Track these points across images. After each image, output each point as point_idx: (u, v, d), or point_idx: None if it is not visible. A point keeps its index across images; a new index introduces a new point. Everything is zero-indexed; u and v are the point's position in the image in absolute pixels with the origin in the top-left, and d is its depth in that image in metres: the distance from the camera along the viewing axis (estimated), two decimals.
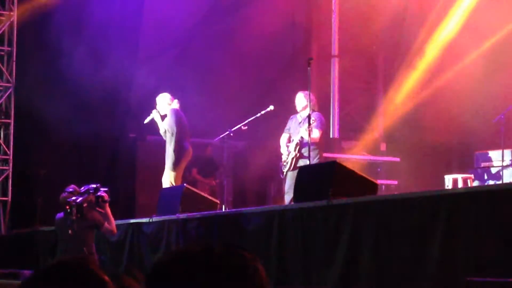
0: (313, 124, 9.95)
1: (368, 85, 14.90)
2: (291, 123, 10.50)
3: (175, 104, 10.67)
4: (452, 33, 13.41)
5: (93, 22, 12.79)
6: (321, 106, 13.30)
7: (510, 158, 10.87)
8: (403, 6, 14.19)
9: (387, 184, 12.71)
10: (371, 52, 14.81)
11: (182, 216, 9.02)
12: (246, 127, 11.02)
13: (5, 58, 13.22)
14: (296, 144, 10.18)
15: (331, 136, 13.73)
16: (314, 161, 9.91)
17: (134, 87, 13.21)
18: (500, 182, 10.68)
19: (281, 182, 10.58)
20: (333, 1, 14.01)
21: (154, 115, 10.66)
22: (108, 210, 8.40)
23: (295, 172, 9.82)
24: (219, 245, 1.61)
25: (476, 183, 11.06)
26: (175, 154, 10.51)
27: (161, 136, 10.81)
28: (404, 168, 13.08)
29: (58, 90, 12.80)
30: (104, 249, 9.65)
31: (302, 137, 10.08)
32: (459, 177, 11.13)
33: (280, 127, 10.70)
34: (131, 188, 13.54)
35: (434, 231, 5.87)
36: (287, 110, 10.70)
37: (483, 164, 11.30)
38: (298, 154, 10.18)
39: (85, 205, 8.18)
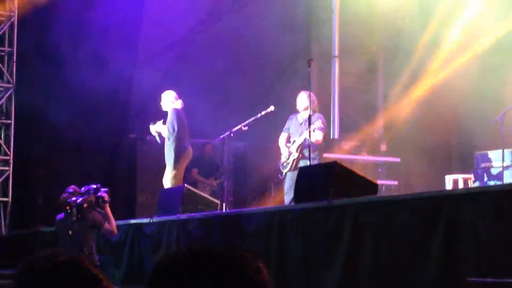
0: (318, 125, 9.95)
1: (368, 85, 14.90)
2: (291, 123, 10.49)
3: (178, 104, 10.69)
4: (451, 33, 13.41)
5: (93, 23, 12.80)
6: (322, 106, 13.32)
7: (511, 159, 10.87)
8: (403, 6, 14.20)
9: (387, 184, 12.72)
10: (371, 53, 14.81)
11: (183, 216, 9.03)
12: (247, 128, 11.02)
13: (6, 58, 13.22)
14: (299, 146, 10.18)
15: (331, 137, 13.74)
16: (315, 162, 9.91)
17: (135, 87, 13.21)
18: (500, 182, 10.68)
19: (281, 182, 10.58)
20: (333, 2, 14.02)
21: (153, 130, 10.67)
22: (109, 210, 8.40)
23: (295, 172, 9.82)
24: (220, 246, 1.61)
25: (476, 184, 11.06)
26: (175, 154, 10.52)
27: (161, 137, 10.81)
28: (405, 168, 13.09)
29: (58, 91, 12.81)
30: (104, 250, 9.65)
31: (305, 139, 10.06)
32: (460, 177, 11.14)
33: (280, 127, 10.70)
34: (131, 188, 13.54)
35: (435, 231, 5.87)
36: (288, 110, 10.70)
37: (483, 165, 11.30)
38: (300, 155, 10.18)
39: (85, 205, 8.18)
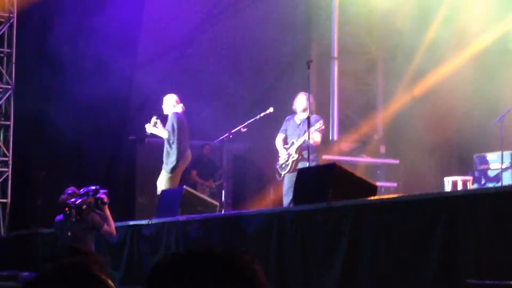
0: (319, 127, 9.95)
1: (367, 87, 14.90)
2: (288, 125, 10.48)
3: (179, 108, 10.69)
4: (451, 34, 13.41)
5: (93, 25, 12.80)
6: (321, 108, 13.32)
7: (510, 161, 10.88)
8: (403, 8, 14.20)
9: (386, 186, 12.73)
10: (371, 54, 14.82)
11: (182, 218, 9.02)
12: (246, 129, 11.02)
13: (5, 60, 13.22)
14: (298, 147, 10.17)
15: (330, 138, 13.74)
16: (313, 163, 9.91)
17: (134, 89, 13.21)
18: (499, 184, 10.68)
19: (281, 184, 10.58)
20: (333, 3, 14.02)
21: (149, 129, 10.67)
22: (108, 212, 8.40)
23: (294, 174, 9.82)
24: (219, 247, 1.62)
25: (475, 186, 11.06)
26: (175, 159, 10.53)
27: (160, 138, 10.82)
28: (404, 170, 13.10)
29: (57, 92, 12.81)
30: (103, 251, 9.64)
31: (304, 140, 10.06)
32: (459, 179, 11.13)
33: (279, 129, 10.70)
34: (130, 190, 13.54)
35: (434, 233, 5.87)
36: (287, 112, 10.70)
37: (482, 167, 11.31)
38: (300, 157, 10.18)
39: (84, 207, 8.19)
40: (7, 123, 13.10)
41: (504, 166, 10.82)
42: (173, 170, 10.57)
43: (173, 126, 10.53)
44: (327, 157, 12.15)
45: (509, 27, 12.93)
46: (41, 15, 12.97)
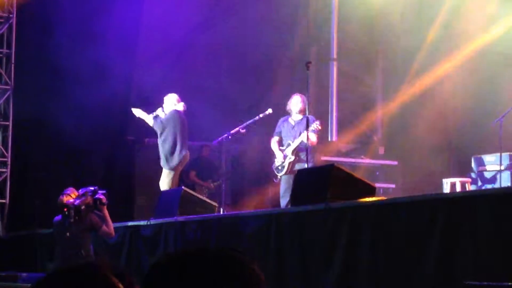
0: (315, 127, 9.96)
1: (366, 88, 14.90)
2: (283, 126, 10.48)
3: (180, 106, 10.73)
4: (450, 35, 13.42)
5: (92, 26, 12.80)
6: (320, 109, 13.33)
7: (508, 162, 10.89)
8: (402, 9, 14.21)
9: (385, 187, 12.73)
10: (370, 56, 14.82)
11: (180, 219, 9.03)
12: (245, 130, 11.02)
13: (4, 60, 13.21)
14: (294, 149, 10.17)
15: (329, 139, 13.74)
16: (310, 164, 9.91)
17: (133, 90, 13.21)
18: (497, 186, 10.69)
19: (279, 185, 10.58)
20: (332, 4, 14.03)
21: (159, 113, 10.73)
22: (106, 212, 8.40)
23: (290, 176, 9.84)
24: (215, 247, 1.62)
25: (473, 187, 11.07)
26: (172, 156, 10.55)
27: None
28: (402, 171, 13.10)
29: (56, 93, 12.80)
30: (102, 252, 9.64)
31: (302, 142, 10.06)
32: (457, 181, 11.14)
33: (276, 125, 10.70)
34: (129, 190, 13.53)
35: (432, 234, 5.87)
36: (286, 113, 10.71)
37: (481, 168, 11.31)
38: (296, 158, 10.18)
39: (83, 207, 8.19)
40: (6, 123, 13.09)
41: (502, 167, 10.83)
42: (173, 167, 10.57)
43: (168, 120, 10.56)
44: (325, 158, 12.15)
45: (508, 28, 12.93)
46: (41, 15, 12.96)
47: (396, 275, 6.18)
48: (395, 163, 13.31)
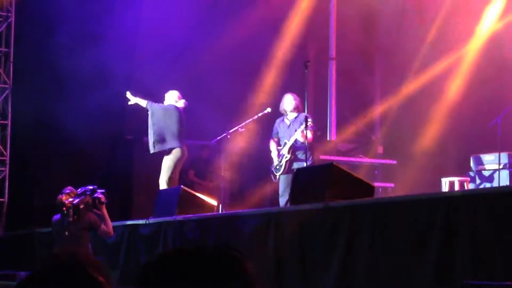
0: (309, 124, 9.97)
1: (365, 87, 14.90)
2: (279, 127, 10.51)
3: (181, 103, 10.75)
4: (449, 35, 13.42)
5: (91, 25, 12.79)
6: (319, 108, 13.34)
7: (507, 162, 10.89)
8: (401, 8, 14.21)
9: (383, 186, 12.72)
10: (369, 55, 14.82)
11: (179, 218, 9.02)
12: (243, 129, 11.02)
13: (3, 59, 13.21)
14: (290, 147, 10.18)
15: (328, 138, 13.74)
16: (308, 162, 9.92)
17: (132, 89, 13.20)
18: (496, 185, 10.70)
19: (278, 184, 10.58)
20: (330, 3, 14.02)
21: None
22: (105, 211, 8.40)
23: (288, 175, 9.85)
24: (211, 246, 1.62)
25: (472, 186, 11.07)
26: (172, 151, 10.60)
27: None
28: (401, 170, 13.09)
29: (55, 92, 12.80)
30: (100, 251, 9.64)
31: (296, 140, 10.09)
32: (456, 180, 11.14)
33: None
34: (128, 189, 13.53)
35: (431, 233, 5.87)
36: (282, 114, 10.71)
37: (479, 167, 11.32)
38: (292, 157, 10.19)
39: (81, 206, 8.18)
40: (5, 122, 13.09)
41: (501, 167, 10.83)
42: (173, 162, 10.59)
43: (165, 108, 10.61)
44: (324, 157, 12.15)
45: (507, 29, 12.94)
46: (39, 14, 12.95)
47: (395, 274, 6.18)
48: (394, 162, 13.31)
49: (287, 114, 10.45)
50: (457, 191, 10.15)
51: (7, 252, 11.95)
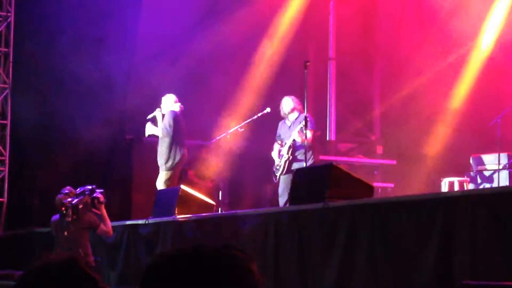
0: (303, 125, 9.98)
1: (364, 87, 14.89)
2: (281, 129, 10.55)
3: (177, 107, 10.72)
4: (449, 35, 13.41)
5: (90, 25, 12.78)
6: (318, 108, 13.33)
7: (506, 162, 10.89)
8: (400, 8, 14.21)
9: (383, 187, 12.72)
10: (368, 55, 14.82)
11: (179, 218, 9.02)
12: (243, 129, 11.03)
13: (2, 59, 13.20)
14: (289, 147, 10.20)
15: (327, 139, 13.74)
16: (308, 163, 9.93)
17: (131, 89, 13.20)
18: (496, 185, 10.69)
19: (278, 184, 10.59)
20: (330, 4, 14.02)
21: (157, 113, 10.74)
22: (104, 211, 8.40)
23: (288, 175, 9.86)
24: (213, 246, 1.61)
25: (472, 186, 11.07)
26: (167, 155, 10.55)
27: (157, 138, 10.84)
28: (401, 171, 13.09)
29: (54, 92, 12.79)
30: (100, 251, 9.63)
31: (294, 140, 10.12)
32: (455, 180, 11.13)
33: (276, 129, 10.71)
34: (127, 189, 13.52)
35: (430, 234, 5.87)
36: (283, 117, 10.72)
37: (479, 168, 11.31)
38: (291, 157, 10.20)
39: (80, 206, 8.18)
40: (4, 122, 13.08)
41: (501, 167, 10.83)
42: (169, 167, 10.58)
43: (169, 122, 10.56)
44: (324, 158, 12.15)
45: (506, 30, 12.94)
46: (39, 13, 12.95)
47: (394, 274, 6.17)
48: (394, 162, 13.31)
49: (287, 117, 10.49)
50: (457, 191, 10.15)
51: (6, 252, 11.94)
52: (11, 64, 13.11)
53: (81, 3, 13.05)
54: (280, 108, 10.57)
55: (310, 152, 10.18)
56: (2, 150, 13.02)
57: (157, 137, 10.81)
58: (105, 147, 13.46)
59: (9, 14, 13.15)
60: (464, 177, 11.32)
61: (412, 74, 13.77)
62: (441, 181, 11.29)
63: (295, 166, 10.05)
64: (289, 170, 10.06)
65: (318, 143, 10.83)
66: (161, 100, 10.86)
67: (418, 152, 13.23)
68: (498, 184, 10.68)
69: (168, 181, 10.58)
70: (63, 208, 8.20)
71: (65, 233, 8.24)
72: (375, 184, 8.94)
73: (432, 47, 13.61)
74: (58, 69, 12.60)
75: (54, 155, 13.13)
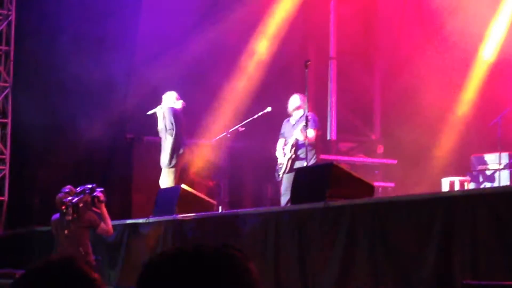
0: (309, 123, 9.98)
1: (365, 87, 14.89)
2: (285, 127, 10.53)
3: (179, 105, 10.72)
4: (449, 35, 13.41)
5: (90, 23, 12.78)
6: (319, 108, 13.32)
7: (507, 161, 10.89)
8: (401, 8, 14.21)
9: (384, 186, 12.72)
10: (369, 54, 14.82)
11: (179, 217, 9.01)
12: (244, 128, 11.02)
13: (3, 57, 13.20)
14: (292, 146, 10.19)
15: (328, 138, 13.74)
16: (311, 162, 9.92)
17: (131, 88, 13.20)
18: (496, 185, 10.69)
19: (278, 183, 10.59)
20: (330, 3, 14.02)
21: (158, 110, 10.73)
22: (104, 210, 8.39)
23: (291, 174, 9.84)
24: (210, 245, 1.61)
25: (472, 186, 11.07)
26: (171, 153, 10.55)
27: (158, 137, 10.84)
28: (401, 170, 13.09)
29: (55, 90, 12.79)
30: (100, 250, 9.63)
31: (296, 139, 10.11)
32: (456, 179, 11.13)
33: (277, 128, 10.70)
34: (127, 188, 13.52)
35: (431, 233, 5.87)
36: (285, 111, 10.71)
37: (479, 167, 11.31)
38: (294, 156, 10.19)
39: (81, 205, 8.18)
40: (5, 121, 13.08)
41: (501, 166, 10.83)
42: (171, 165, 10.58)
43: (170, 119, 10.56)
44: (324, 157, 12.15)
45: (507, 28, 12.93)
46: (40, 12, 12.95)
47: (395, 273, 6.17)
48: (394, 162, 13.31)
49: (292, 115, 10.49)
50: (458, 191, 10.15)
51: (6, 250, 11.94)
52: (11, 62, 13.11)
53: (81, 2, 13.04)
54: (288, 105, 10.56)
55: (313, 152, 10.17)
56: (3, 149, 13.02)
57: (156, 134, 10.81)
58: (105, 146, 13.46)
59: (10, 12, 13.15)
60: (464, 176, 11.32)
61: (412, 74, 13.76)
62: (441, 180, 11.30)
63: (298, 165, 10.05)
64: (292, 169, 10.05)
65: (320, 143, 10.82)
66: (161, 98, 10.86)
67: (419, 151, 13.23)
68: (499, 183, 10.68)
69: (172, 179, 10.59)
70: (64, 207, 8.20)
71: (66, 232, 8.23)
72: (375, 184, 8.94)
73: (432, 46, 13.61)
74: (59, 68, 12.60)
75: (54, 154, 13.13)
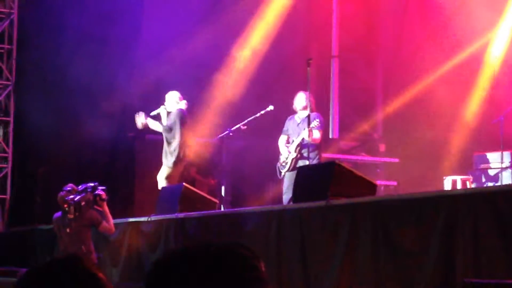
0: (316, 124, 9.96)
1: (367, 85, 14.88)
2: (289, 124, 10.51)
3: (183, 104, 10.71)
4: (451, 34, 13.40)
5: (92, 21, 12.78)
6: (321, 106, 13.30)
7: (509, 160, 10.88)
8: (403, 6, 14.19)
9: (386, 185, 12.71)
10: (371, 52, 14.80)
11: (181, 215, 9.02)
12: (246, 127, 11.02)
13: (5, 56, 13.21)
14: (297, 145, 10.18)
15: (330, 137, 13.73)
16: (314, 161, 9.92)
17: (134, 86, 13.21)
18: (498, 183, 10.69)
19: (280, 182, 10.58)
20: (333, 1, 14.01)
21: (161, 110, 10.73)
22: (106, 208, 8.40)
23: (294, 172, 9.83)
24: (218, 244, 1.60)
25: (474, 185, 11.06)
26: (175, 153, 10.55)
27: (160, 135, 10.84)
28: (403, 169, 13.08)
29: (57, 89, 12.80)
30: (102, 248, 9.64)
31: (303, 138, 10.08)
32: (458, 178, 11.12)
33: (279, 127, 10.70)
34: (129, 187, 13.53)
35: (433, 232, 5.86)
36: (287, 110, 10.71)
37: (482, 166, 11.30)
38: (298, 155, 10.18)
39: (83, 203, 8.19)
40: (7, 119, 13.10)
41: (503, 165, 10.82)
42: (174, 165, 10.58)
43: (176, 122, 10.55)
44: (326, 156, 12.14)
45: (507, 31, 12.92)
46: (42, 11, 12.95)
47: (396, 272, 6.17)
48: (396, 160, 13.30)
49: (297, 112, 10.46)
50: (460, 189, 10.14)
51: (8, 248, 11.96)
52: (14, 61, 13.12)
53: (84, 2, 13.05)
54: (294, 102, 10.53)
55: (316, 152, 10.17)
56: (5, 147, 13.04)
57: (158, 133, 10.80)
58: (107, 144, 13.47)
59: (12, 11, 13.16)
60: (467, 175, 11.31)
61: (415, 72, 13.75)
62: (444, 179, 11.29)
63: (301, 164, 10.04)
64: (294, 168, 10.04)
65: (323, 142, 10.81)
66: (163, 97, 10.86)
67: (421, 150, 13.22)
68: (501, 182, 10.67)
69: (170, 177, 10.58)
70: (65, 205, 8.21)
71: (67, 230, 8.24)
72: (378, 182, 8.92)
73: (435, 45, 13.60)
74: (61, 66, 12.61)
75: (56, 152, 13.14)
